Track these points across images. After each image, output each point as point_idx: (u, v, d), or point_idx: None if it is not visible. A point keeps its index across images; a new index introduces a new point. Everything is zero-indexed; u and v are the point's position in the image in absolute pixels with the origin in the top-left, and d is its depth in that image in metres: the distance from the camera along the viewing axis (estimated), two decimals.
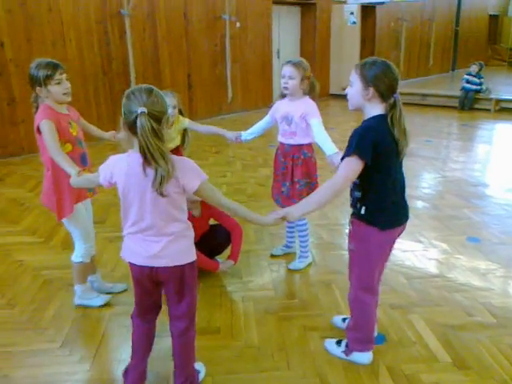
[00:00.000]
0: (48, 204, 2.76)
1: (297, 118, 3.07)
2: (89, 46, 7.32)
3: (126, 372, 2.21)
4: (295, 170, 3.16)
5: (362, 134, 2.05)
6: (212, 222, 3.38)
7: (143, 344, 2.19)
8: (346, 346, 2.44)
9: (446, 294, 3.06)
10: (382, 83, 2.05)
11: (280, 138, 3.24)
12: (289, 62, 3.07)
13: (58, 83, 2.59)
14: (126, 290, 3.10)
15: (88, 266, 2.98)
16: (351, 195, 2.25)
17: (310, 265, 3.45)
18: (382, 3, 12.28)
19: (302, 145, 3.14)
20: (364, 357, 2.40)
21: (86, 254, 2.89)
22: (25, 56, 6.43)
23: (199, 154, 6.68)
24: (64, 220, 2.77)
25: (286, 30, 11.35)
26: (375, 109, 2.10)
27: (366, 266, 2.26)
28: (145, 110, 1.72)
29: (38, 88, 2.58)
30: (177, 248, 1.96)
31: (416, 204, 4.70)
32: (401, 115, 2.08)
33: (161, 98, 1.82)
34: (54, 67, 2.57)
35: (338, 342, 2.50)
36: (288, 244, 3.64)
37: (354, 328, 2.40)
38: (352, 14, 11.83)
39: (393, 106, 2.08)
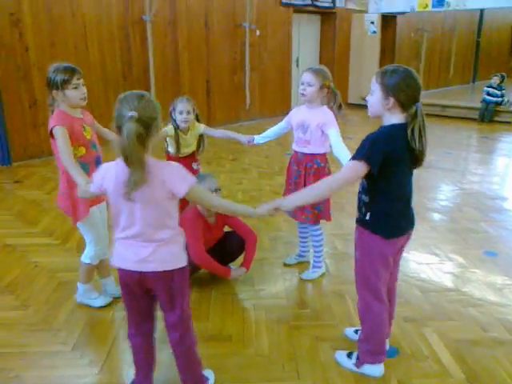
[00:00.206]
0: (63, 207, 2.79)
1: (313, 126, 3.06)
2: (110, 51, 7.41)
3: None
4: (307, 179, 3.14)
5: (375, 141, 2.02)
6: (226, 229, 3.38)
7: (145, 362, 2.16)
8: (357, 358, 2.41)
9: (461, 308, 3.01)
10: (403, 93, 2.00)
11: (294, 146, 3.24)
12: (309, 69, 3.08)
13: (75, 88, 2.61)
14: None
15: (94, 269, 3.01)
16: (359, 198, 2.23)
17: (323, 275, 3.43)
18: (404, 13, 12.22)
19: (316, 154, 3.13)
20: (375, 369, 2.37)
21: (95, 257, 2.91)
22: (48, 60, 6.52)
23: (216, 160, 6.69)
24: (78, 223, 2.79)
25: (305, 39, 11.37)
26: (395, 118, 2.06)
27: (370, 275, 2.23)
28: (135, 114, 1.72)
29: (54, 91, 2.62)
30: (165, 253, 1.94)
31: (433, 216, 4.65)
32: (423, 125, 2.03)
33: (152, 103, 1.82)
34: (72, 72, 2.60)
35: (349, 355, 2.47)
36: (301, 253, 3.62)
37: (365, 339, 2.37)
38: (372, 23, 11.80)
39: (414, 116, 2.02)
